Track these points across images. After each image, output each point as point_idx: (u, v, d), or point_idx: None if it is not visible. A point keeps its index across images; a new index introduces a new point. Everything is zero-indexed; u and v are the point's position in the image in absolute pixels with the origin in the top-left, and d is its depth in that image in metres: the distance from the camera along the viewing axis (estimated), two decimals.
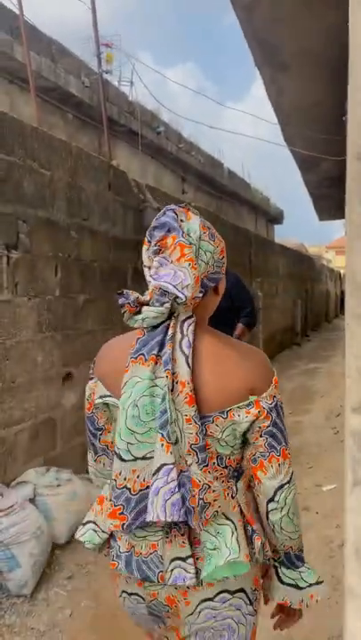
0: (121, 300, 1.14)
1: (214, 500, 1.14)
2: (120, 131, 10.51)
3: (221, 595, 1.16)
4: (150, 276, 1.17)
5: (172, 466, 1.08)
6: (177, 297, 1.12)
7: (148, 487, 1.11)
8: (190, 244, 1.16)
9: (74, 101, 9.18)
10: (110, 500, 1.16)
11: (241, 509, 1.19)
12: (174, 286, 1.12)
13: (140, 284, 4.06)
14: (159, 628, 1.25)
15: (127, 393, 1.12)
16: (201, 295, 1.18)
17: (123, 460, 1.13)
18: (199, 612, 1.17)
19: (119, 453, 1.13)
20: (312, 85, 6.08)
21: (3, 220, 3.01)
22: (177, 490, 1.08)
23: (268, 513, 1.20)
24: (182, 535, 1.13)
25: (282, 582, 1.25)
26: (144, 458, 1.12)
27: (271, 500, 1.18)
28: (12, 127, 3.10)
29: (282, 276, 12.44)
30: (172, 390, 1.09)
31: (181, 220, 1.20)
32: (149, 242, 1.21)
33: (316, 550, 3.06)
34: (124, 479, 1.14)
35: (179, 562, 1.13)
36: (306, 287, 16.42)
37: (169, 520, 1.08)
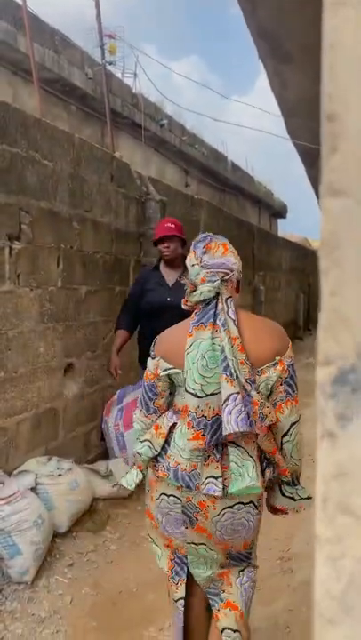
0: (184, 281, 1.74)
1: (269, 413, 1.60)
2: (123, 123, 10.47)
3: (238, 505, 1.68)
4: (201, 266, 1.66)
5: (237, 394, 1.55)
6: (225, 275, 1.64)
7: (218, 415, 1.59)
8: (230, 248, 1.71)
9: (77, 93, 9.15)
10: (192, 427, 1.61)
11: (260, 452, 1.68)
12: (226, 268, 1.65)
13: None
14: (185, 529, 1.72)
15: (194, 351, 1.61)
16: (236, 284, 1.72)
17: (198, 397, 1.60)
18: (223, 515, 1.67)
19: (195, 393, 1.60)
20: (316, 78, 6.05)
21: (5, 210, 3.02)
22: (243, 409, 1.54)
23: (282, 444, 1.70)
24: (217, 462, 1.63)
25: (283, 495, 1.83)
26: (212, 394, 1.59)
27: (286, 434, 1.69)
28: (15, 118, 3.10)
29: (285, 269, 12.43)
30: (230, 343, 1.58)
31: (214, 236, 1.76)
32: (195, 251, 1.70)
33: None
34: (201, 410, 1.60)
35: (212, 479, 1.63)
36: (309, 281, 16.41)
37: (241, 430, 1.52)
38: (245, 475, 1.61)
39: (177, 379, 1.71)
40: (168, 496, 1.72)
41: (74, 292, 3.77)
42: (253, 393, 1.57)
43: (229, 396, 1.55)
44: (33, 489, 2.92)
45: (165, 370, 1.71)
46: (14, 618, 2.49)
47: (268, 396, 1.66)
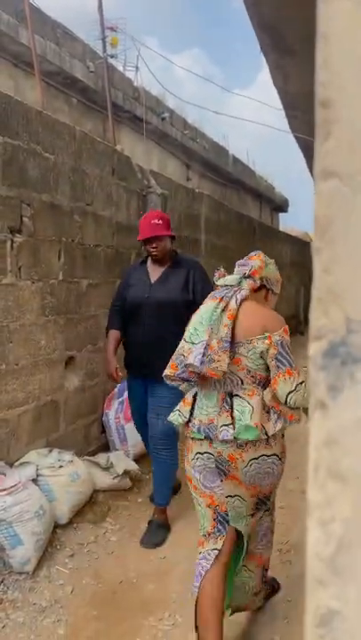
0: (218, 273, 2.25)
1: (217, 361, 1.96)
2: (125, 116, 10.45)
3: (262, 457, 2.02)
4: (236, 267, 2.23)
5: (205, 342, 1.99)
6: (245, 272, 2.15)
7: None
8: (262, 258, 2.22)
9: (78, 86, 9.12)
10: (173, 361, 2.15)
11: (263, 401, 2.03)
12: (247, 266, 2.18)
13: None
14: (221, 481, 2.04)
15: (199, 312, 2.13)
16: (258, 284, 2.16)
17: (186, 342, 2.11)
18: (250, 465, 2.01)
19: (185, 338, 2.13)
20: None
21: (7, 203, 3.02)
22: (202, 351, 1.98)
23: (287, 400, 2.01)
24: (227, 412, 2.01)
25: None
26: (194, 343, 2.05)
27: (284, 403, 2.01)
28: (17, 111, 3.10)
29: (286, 264, 12.43)
30: (222, 311, 2.04)
31: (258, 251, 2.32)
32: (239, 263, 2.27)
33: None
34: (184, 351, 2.10)
35: (225, 427, 1.99)
36: (310, 275, 16.37)
37: (194, 364, 1.98)
38: (244, 418, 1.99)
39: None
40: (202, 454, 2.06)
41: (75, 285, 3.78)
42: (214, 343, 1.99)
43: (201, 341, 2.02)
44: (34, 480, 2.94)
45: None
46: (16, 607, 2.52)
47: (266, 371, 2.06)
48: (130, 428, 3.80)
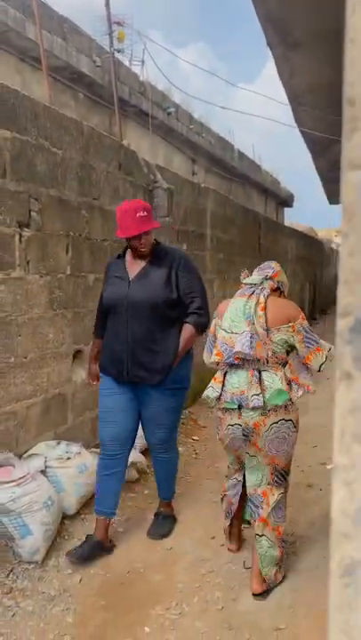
0: (243, 274, 2.76)
1: (262, 347, 2.49)
2: (131, 111, 10.45)
3: (281, 421, 2.50)
4: (256, 271, 2.77)
5: (248, 332, 2.50)
6: (267, 274, 2.69)
7: (233, 346, 2.53)
8: (278, 265, 2.79)
9: (85, 81, 9.12)
10: (218, 349, 2.61)
11: (285, 375, 2.54)
12: (266, 269, 2.73)
13: None
14: (245, 446, 2.58)
15: (233, 306, 2.63)
16: (276, 286, 2.70)
17: (227, 332, 2.60)
18: (271, 429, 2.49)
19: (225, 329, 2.61)
20: (325, 65, 6.00)
21: (15, 198, 3.05)
22: (248, 340, 2.47)
23: (320, 370, 2.57)
24: (257, 384, 2.48)
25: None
26: (235, 333, 2.55)
27: (318, 371, 2.57)
28: (25, 106, 3.12)
29: (291, 259, 12.42)
30: (255, 305, 2.55)
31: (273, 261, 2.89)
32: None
33: (319, 524, 3.14)
34: (226, 340, 2.58)
35: (255, 396, 2.46)
36: (315, 271, 16.37)
37: (243, 351, 2.46)
38: (275, 385, 2.49)
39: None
40: (232, 425, 2.57)
41: (82, 279, 3.81)
42: (261, 330, 2.50)
43: (244, 331, 2.51)
44: (42, 472, 2.98)
45: (217, 324, 2.73)
46: (25, 595, 2.56)
47: (287, 354, 2.58)
48: None
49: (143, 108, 10.58)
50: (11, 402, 3.08)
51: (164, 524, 3.22)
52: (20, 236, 3.10)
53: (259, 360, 2.51)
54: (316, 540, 2.98)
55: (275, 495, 2.59)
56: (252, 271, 2.81)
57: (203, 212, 6.29)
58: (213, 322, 2.77)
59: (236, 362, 2.53)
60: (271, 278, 2.68)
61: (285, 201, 21.64)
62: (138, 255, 2.95)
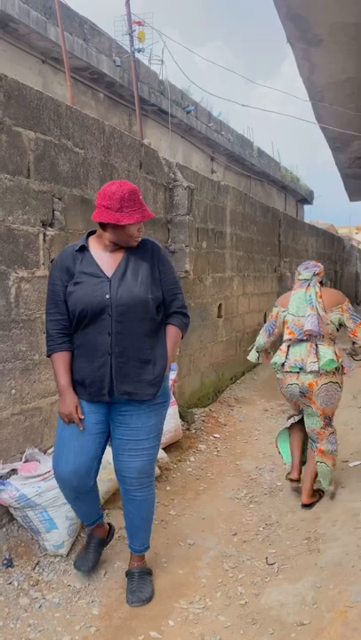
0: (297, 272, 3.60)
1: (326, 325, 3.33)
2: (150, 110, 10.49)
3: (329, 383, 3.29)
4: (302, 270, 3.58)
5: (313, 314, 3.29)
6: (315, 271, 3.52)
7: (302, 325, 3.33)
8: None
9: (105, 81, 9.19)
10: (289, 329, 3.41)
11: (335, 351, 3.31)
12: (313, 267, 3.55)
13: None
14: (302, 399, 3.36)
15: (295, 296, 3.47)
16: (320, 280, 3.52)
17: (294, 315, 3.40)
18: (321, 388, 3.28)
19: (293, 313, 3.41)
20: (346, 60, 5.96)
21: (39, 197, 3.10)
22: (315, 319, 3.27)
23: None
24: (314, 354, 3.27)
25: (353, 359, 3.60)
26: (301, 316, 3.36)
27: None
28: (48, 106, 3.17)
29: (311, 256, 12.34)
30: (315, 294, 3.39)
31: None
32: (300, 267, 3.63)
33: (342, 521, 3.13)
34: (295, 322, 3.40)
35: (313, 362, 3.26)
36: (335, 268, 16.23)
37: (312, 329, 3.24)
38: (328, 355, 3.25)
39: (282, 316, 3.54)
40: (292, 384, 3.36)
41: None
42: (322, 312, 3.30)
43: (310, 314, 3.29)
44: None
45: (282, 312, 3.54)
46: (51, 588, 2.61)
47: (341, 326, 3.40)
48: None
49: (162, 106, 10.61)
50: (35, 398, 3.13)
51: (144, 584, 2.60)
52: (44, 235, 3.15)
53: (315, 336, 3.28)
54: (339, 538, 2.98)
55: (326, 432, 3.40)
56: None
57: (222, 210, 6.29)
58: (275, 310, 3.60)
59: (305, 337, 3.30)
60: (318, 274, 3.50)
61: (305, 198, 21.49)
62: (105, 245, 2.41)
